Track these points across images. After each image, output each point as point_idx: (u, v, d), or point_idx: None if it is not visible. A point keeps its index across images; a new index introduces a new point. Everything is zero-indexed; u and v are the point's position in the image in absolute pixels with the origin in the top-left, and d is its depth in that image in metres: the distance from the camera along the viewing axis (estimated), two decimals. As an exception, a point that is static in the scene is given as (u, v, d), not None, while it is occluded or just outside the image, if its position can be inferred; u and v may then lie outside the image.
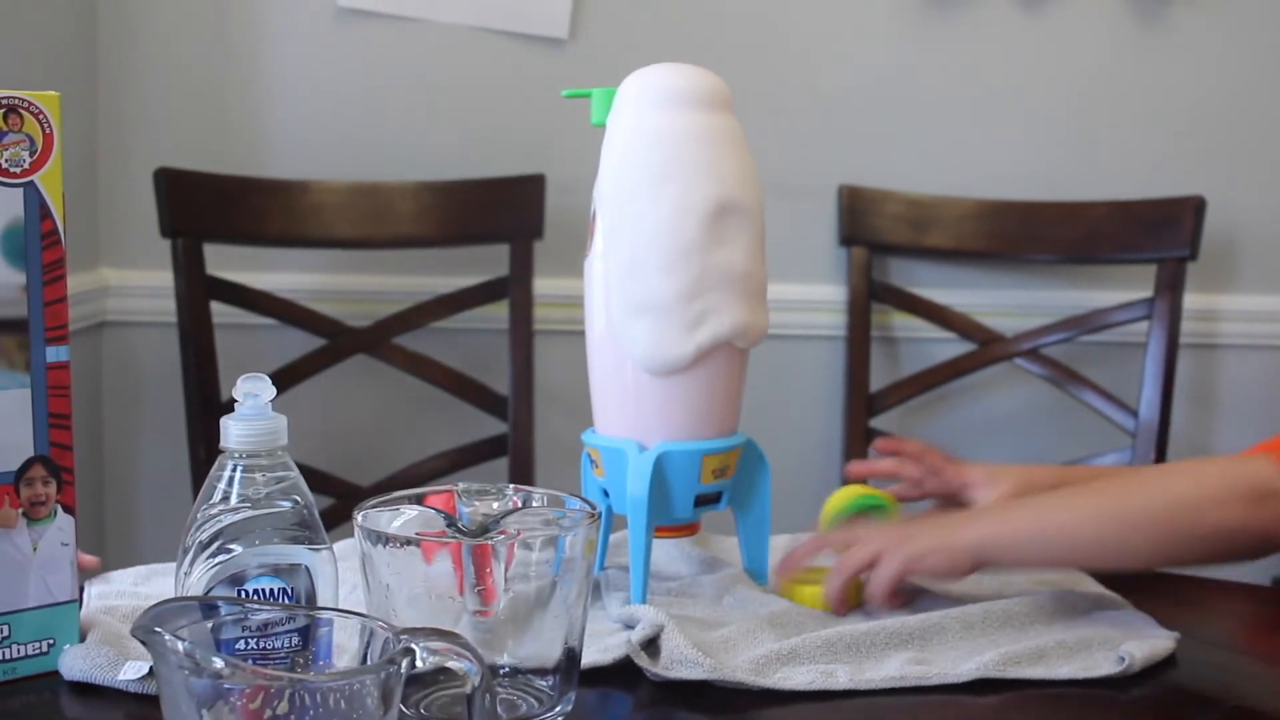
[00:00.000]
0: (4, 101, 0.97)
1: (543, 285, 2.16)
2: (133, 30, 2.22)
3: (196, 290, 2.03)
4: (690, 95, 1.13)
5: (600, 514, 0.91)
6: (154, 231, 2.03)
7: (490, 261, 2.17)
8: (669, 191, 1.09)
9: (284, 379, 2.04)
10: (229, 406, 2.04)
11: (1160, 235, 2.16)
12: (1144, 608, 1.18)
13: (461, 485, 0.93)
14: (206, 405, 2.01)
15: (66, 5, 2.15)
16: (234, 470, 0.87)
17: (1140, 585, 1.24)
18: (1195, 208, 2.14)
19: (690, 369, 1.11)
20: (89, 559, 1.14)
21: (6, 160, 0.97)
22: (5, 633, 0.98)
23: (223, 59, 2.23)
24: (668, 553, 1.26)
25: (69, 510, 1.01)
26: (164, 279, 2.07)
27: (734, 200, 1.11)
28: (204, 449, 2.01)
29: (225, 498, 0.87)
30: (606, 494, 1.17)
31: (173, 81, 2.23)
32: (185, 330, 2.02)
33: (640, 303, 1.09)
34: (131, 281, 2.24)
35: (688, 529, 1.18)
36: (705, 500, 1.16)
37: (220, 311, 2.06)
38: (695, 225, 1.08)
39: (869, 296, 2.23)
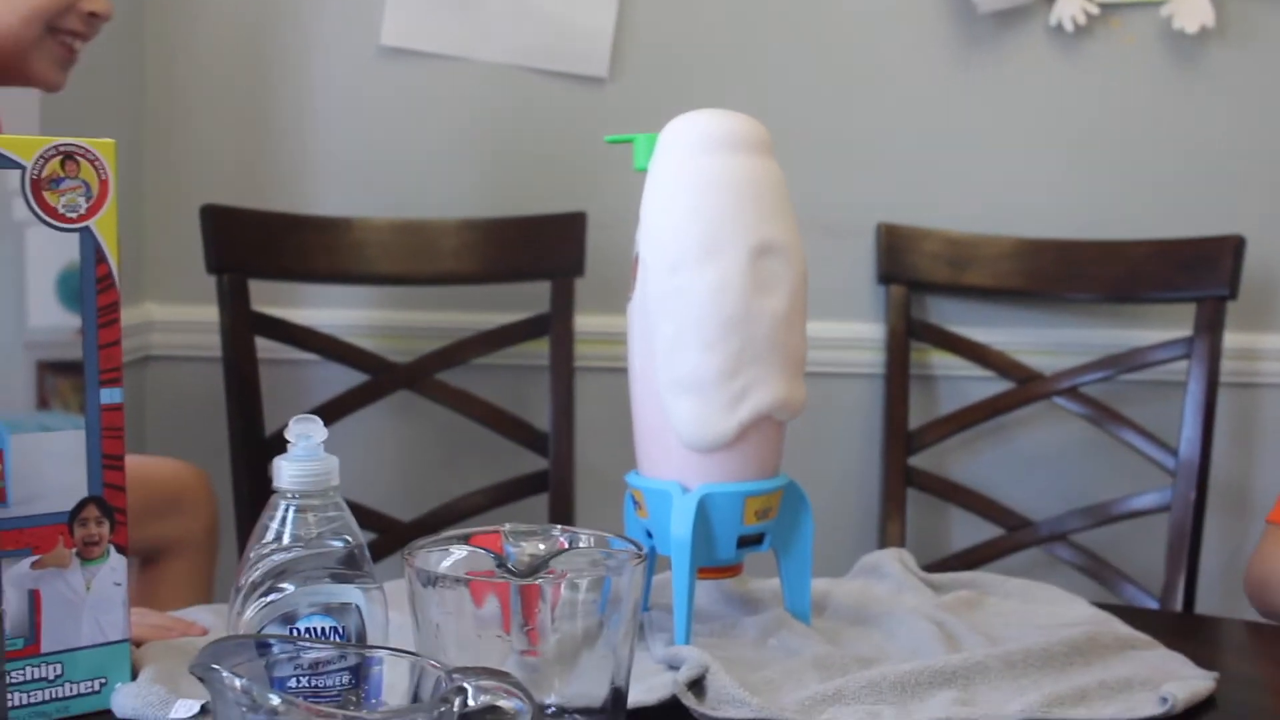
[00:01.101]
0: (61, 148, 0.99)
1: (584, 322, 2.17)
2: (179, 68, 2.25)
3: (241, 326, 2.05)
4: (731, 140, 1.14)
5: (646, 555, 0.92)
6: (197, 267, 2.06)
7: (532, 298, 2.18)
8: (712, 267, 1.10)
9: (327, 414, 2.05)
10: (273, 441, 2.06)
11: (1200, 274, 2.16)
12: (1176, 649, 1.18)
13: (509, 526, 0.94)
14: (251, 440, 2.03)
15: (115, 42, 2.18)
16: (286, 510, 0.89)
17: (1169, 626, 1.24)
18: (1235, 247, 2.13)
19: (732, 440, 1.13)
20: (199, 626, 1.17)
21: (63, 206, 0.99)
22: (59, 671, 1.00)
23: (267, 97, 2.26)
24: (710, 594, 1.27)
25: (121, 550, 1.02)
26: (207, 314, 2.10)
27: (775, 244, 1.12)
28: (248, 483, 2.03)
29: (278, 537, 0.89)
30: (650, 535, 1.18)
31: (217, 118, 2.26)
32: (230, 365, 2.05)
33: (683, 379, 1.11)
34: (175, 316, 2.27)
35: (731, 570, 1.19)
36: (748, 541, 1.16)
37: (264, 347, 2.08)
38: (736, 299, 1.10)
39: (908, 334, 2.23)
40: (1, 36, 1.57)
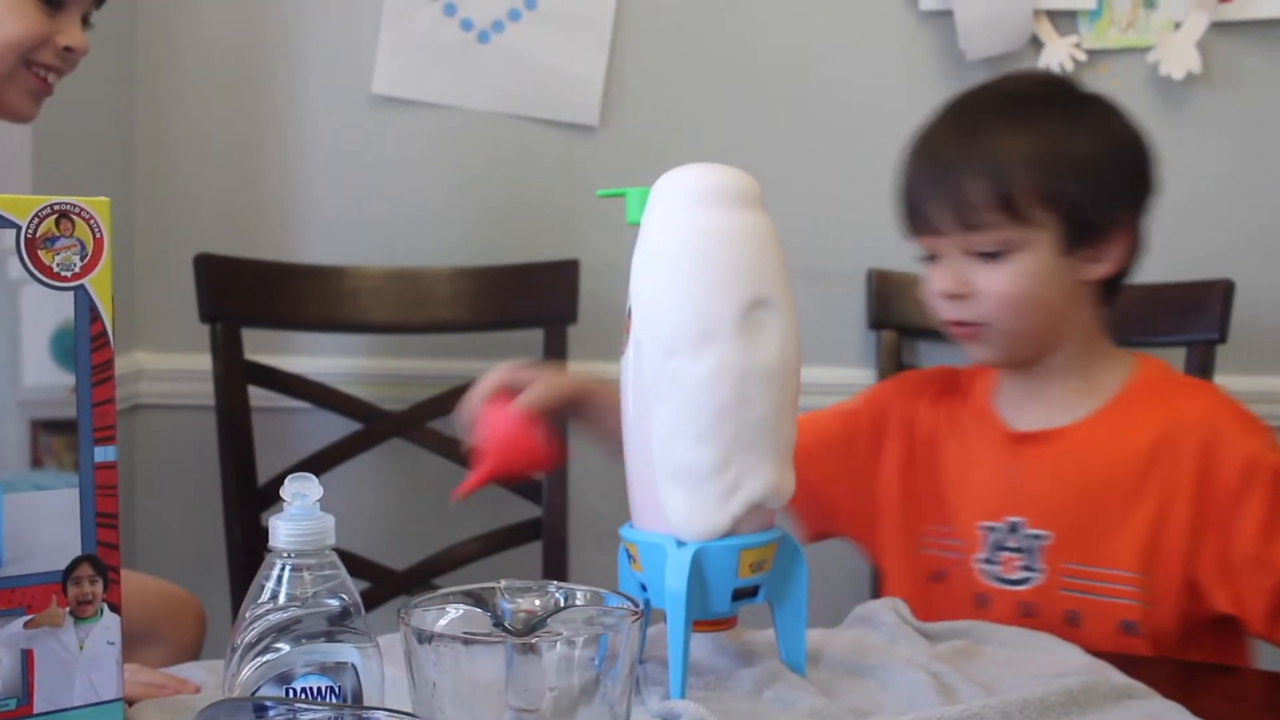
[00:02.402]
0: (56, 207, 0.99)
1: (577, 369, 2.17)
2: (170, 116, 2.26)
3: (234, 374, 2.05)
4: (722, 194, 1.14)
5: (642, 612, 0.92)
6: (187, 315, 2.06)
7: (524, 346, 2.19)
8: (706, 353, 1.10)
9: (319, 462, 2.06)
10: (266, 490, 2.05)
11: (1189, 319, 2.17)
12: (1173, 699, 1.18)
13: (504, 582, 0.94)
14: (244, 488, 2.03)
15: (105, 89, 2.19)
16: (282, 569, 0.89)
17: (1165, 675, 1.24)
18: (1224, 291, 2.14)
19: None
20: (192, 684, 1.16)
21: (58, 264, 0.99)
22: (52, 730, 0.99)
23: (258, 146, 2.27)
24: (705, 646, 1.26)
25: (115, 609, 1.02)
26: (196, 362, 2.10)
27: (766, 297, 1.13)
28: (240, 531, 2.03)
29: (274, 596, 0.88)
30: (644, 588, 1.17)
31: (208, 168, 2.27)
32: (223, 414, 2.05)
33: (677, 471, 1.12)
34: (165, 365, 2.26)
35: (726, 623, 1.19)
36: (743, 594, 1.16)
37: (256, 395, 2.08)
38: (731, 387, 1.10)
39: (899, 379, 2.24)
40: None
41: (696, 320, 1.11)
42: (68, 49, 1.62)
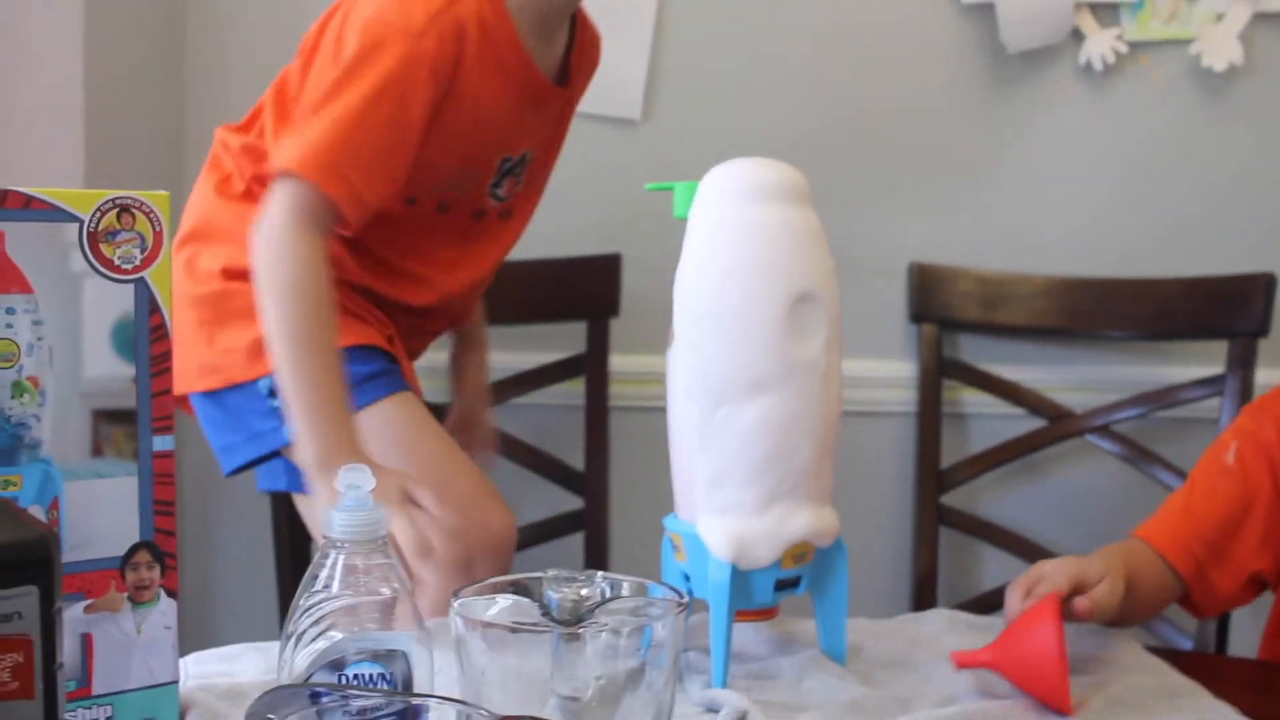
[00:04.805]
0: (118, 201, 1.02)
1: (621, 362, 2.20)
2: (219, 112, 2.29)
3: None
4: (770, 190, 1.16)
5: (687, 603, 0.94)
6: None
7: (568, 339, 2.21)
8: (754, 403, 1.12)
9: (364, 454, 2.08)
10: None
11: (1231, 312, 2.17)
12: (1223, 696, 1.18)
13: (551, 572, 0.96)
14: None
15: (152, 86, 2.22)
16: (336, 559, 0.91)
17: (1214, 672, 1.25)
18: (1266, 284, 2.14)
19: None
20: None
21: (119, 258, 1.02)
22: (109, 713, 1.02)
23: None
24: (747, 635, 1.28)
25: (171, 594, 1.04)
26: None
27: (811, 293, 1.14)
28: (287, 524, 2.05)
29: (327, 585, 0.91)
30: (688, 578, 1.19)
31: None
32: (269, 404, 2.07)
33: (724, 508, 1.14)
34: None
35: (767, 613, 1.20)
36: (785, 585, 1.18)
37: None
38: (778, 432, 1.12)
39: (939, 373, 2.25)
40: None
41: (747, 368, 1.12)
42: None
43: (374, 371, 1.64)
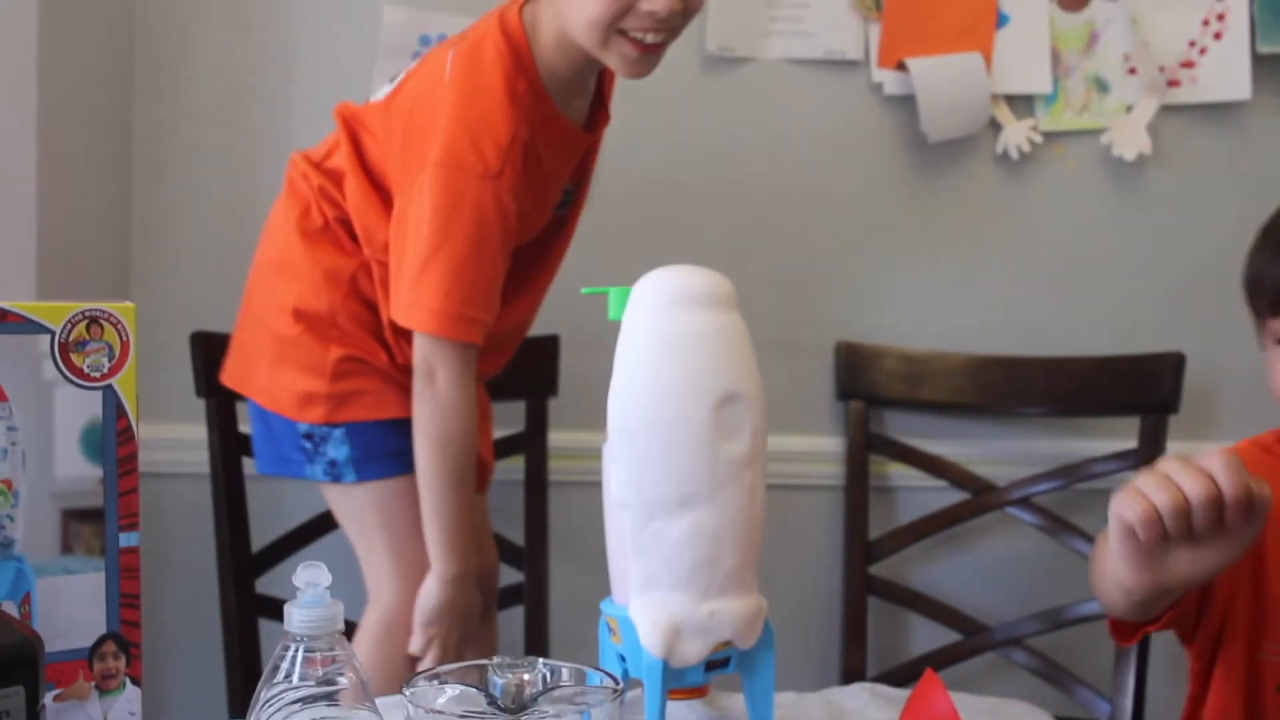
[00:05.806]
0: (87, 313, 1.09)
1: (559, 438, 2.26)
2: (168, 191, 2.34)
3: (229, 446, 2.13)
4: (695, 296, 1.23)
5: (623, 689, 1.01)
6: (183, 387, 2.13)
7: (508, 417, 2.27)
8: (687, 514, 1.19)
9: (309, 531, 2.13)
10: (260, 557, 2.12)
11: (1142, 390, 2.27)
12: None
13: (495, 659, 1.03)
14: (238, 555, 2.11)
15: (101, 165, 2.27)
16: (295, 652, 0.97)
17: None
18: (1175, 363, 2.25)
19: None
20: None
21: (88, 366, 1.09)
22: (78, 796, 1.08)
23: (253, 223, 2.35)
24: (681, 713, 1.35)
25: (136, 682, 1.11)
26: (189, 431, 2.17)
27: (737, 392, 1.22)
28: (235, 596, 2.10)
29: (288, 676, 0.97)
30: (623, 659, 1.26)
31: (206, 242, 2.34)
32: (218, 484, 2.13)
33: (655, 606, 1.20)
34: (162, 435, 2.34)
35: (699, 691, 1.28)
36: (715, 665, 1.25)
37: (250, 464, 2.15)
38: (708, 543, 1.19)
39: (866, 447, 2.33)
40: (578, 40, 1.75)
41: (678, 483, 1.19)
42: (651, 13, 1.71)
43: (408, 446, 1.84)
